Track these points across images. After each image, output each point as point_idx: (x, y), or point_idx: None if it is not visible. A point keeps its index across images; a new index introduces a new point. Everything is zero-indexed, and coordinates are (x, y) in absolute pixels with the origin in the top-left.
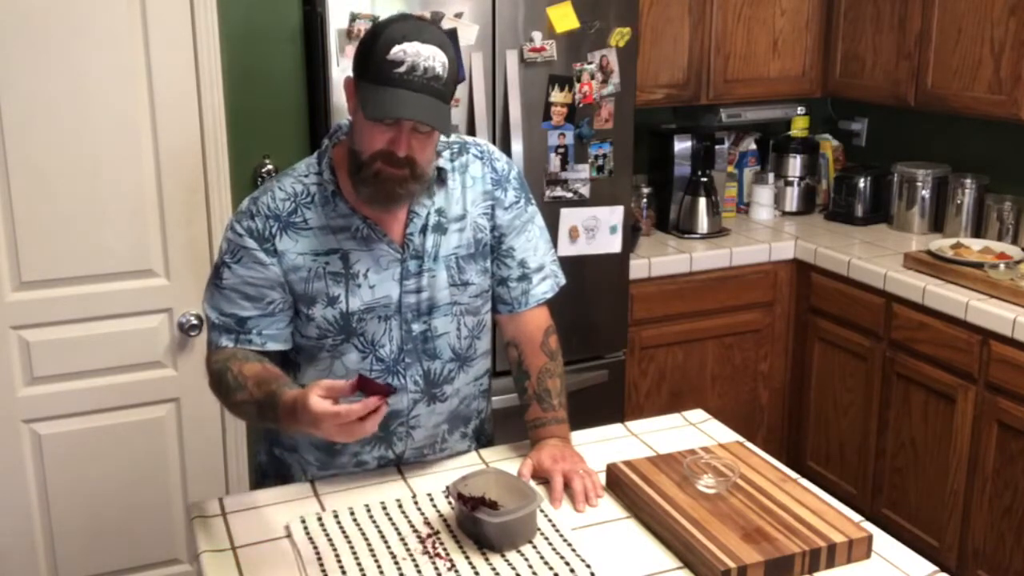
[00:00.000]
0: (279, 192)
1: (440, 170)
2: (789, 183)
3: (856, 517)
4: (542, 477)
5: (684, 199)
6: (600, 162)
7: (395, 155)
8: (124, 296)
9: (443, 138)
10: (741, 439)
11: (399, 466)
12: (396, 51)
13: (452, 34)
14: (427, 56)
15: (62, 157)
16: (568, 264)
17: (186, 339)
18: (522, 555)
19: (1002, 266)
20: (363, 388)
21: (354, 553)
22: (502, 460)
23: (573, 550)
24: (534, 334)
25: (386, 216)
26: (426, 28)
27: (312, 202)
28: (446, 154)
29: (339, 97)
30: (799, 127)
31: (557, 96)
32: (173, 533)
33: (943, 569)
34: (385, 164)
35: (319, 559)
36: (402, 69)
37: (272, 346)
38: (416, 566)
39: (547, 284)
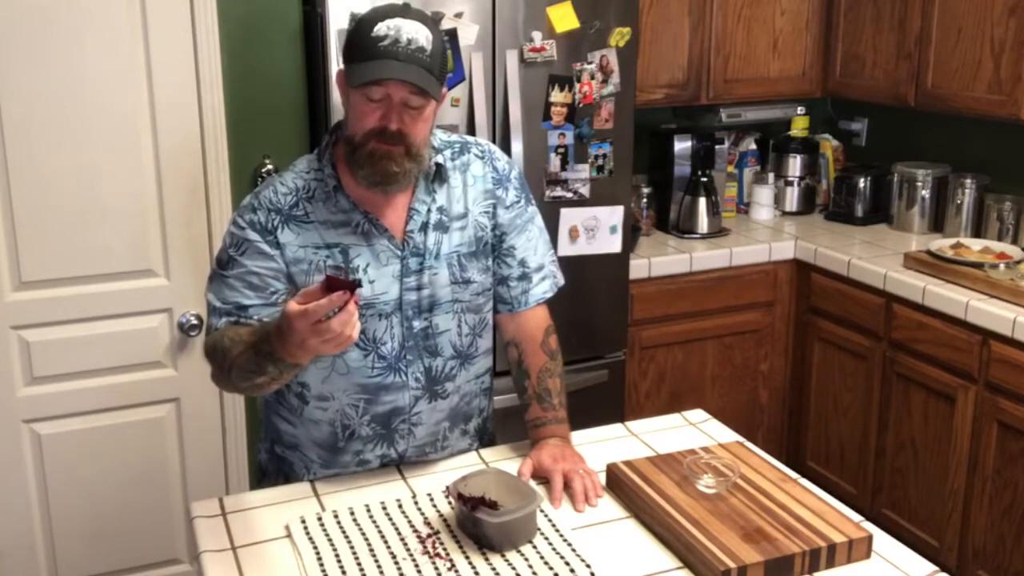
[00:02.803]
0: (281, 187)
1: (440, 167)
2: (789, 183)
3: (856, 517)
4: (542, 477)
5: (684, 199)
6: (600, 162)
7: (387, 130)
8: (124, 296)
9: (444, 137)
10: (741, 439)
11: (399, 466)
12: (379, 27)
13: (452, 34)
14: (410, 29)
15: (62, 157)
16: (568, 264)
17: (186, 339)
18: (522, 555)
19: (1002, 266)
20: (330, 286)
21: (354, 553)
22: (502, 460)
23: (573, 550)
24: (534, 333)
25: (387, 210)
26: (408, 10)
27: (313, 197)
28: (447, 153)
29: (339, 96)
30: (799, 127)
31: (557, 96)
32: (173, 533)
33: (943, 569)
34: (379, 142)
35: (319, 559)
36: (386, 42)
37: None
38: (416, 566)
39: (546, 284)
